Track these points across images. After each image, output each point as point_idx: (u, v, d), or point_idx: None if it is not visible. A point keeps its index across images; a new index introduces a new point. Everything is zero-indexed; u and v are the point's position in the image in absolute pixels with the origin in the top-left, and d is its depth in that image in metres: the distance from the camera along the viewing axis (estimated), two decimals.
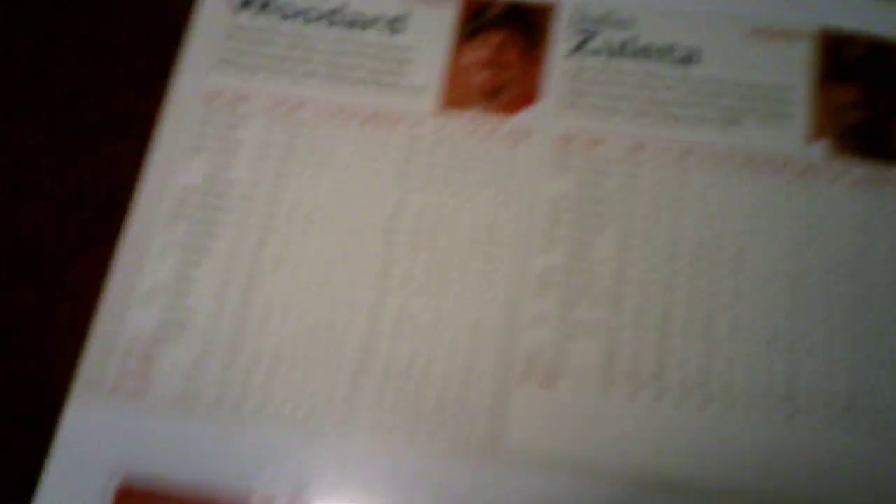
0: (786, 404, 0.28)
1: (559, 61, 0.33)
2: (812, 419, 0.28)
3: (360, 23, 0.34)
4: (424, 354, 0.29)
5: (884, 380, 0.28)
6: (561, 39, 0.33)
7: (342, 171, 0.32)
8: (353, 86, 0.33)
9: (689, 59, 0.33)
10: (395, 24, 0.34)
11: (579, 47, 0.33)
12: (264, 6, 0.34)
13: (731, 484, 0.27)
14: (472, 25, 0.34)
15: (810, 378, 0.28)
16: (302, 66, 0.33)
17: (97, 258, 0.30)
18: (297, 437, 0.28)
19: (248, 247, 0.30)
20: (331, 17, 0.34)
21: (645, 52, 0.33)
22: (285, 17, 0.34)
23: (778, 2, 0.33)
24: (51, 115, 0.34)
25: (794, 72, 0.32)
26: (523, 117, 0.32)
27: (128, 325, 0.29)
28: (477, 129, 0.32)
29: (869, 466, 0.27)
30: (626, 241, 0.30)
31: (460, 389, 0.29)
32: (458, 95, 0.33)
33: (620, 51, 0.33)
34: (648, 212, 0.31)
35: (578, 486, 0.27)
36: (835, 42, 0.32)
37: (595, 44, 0.33)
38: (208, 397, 0.28)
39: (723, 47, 0.33)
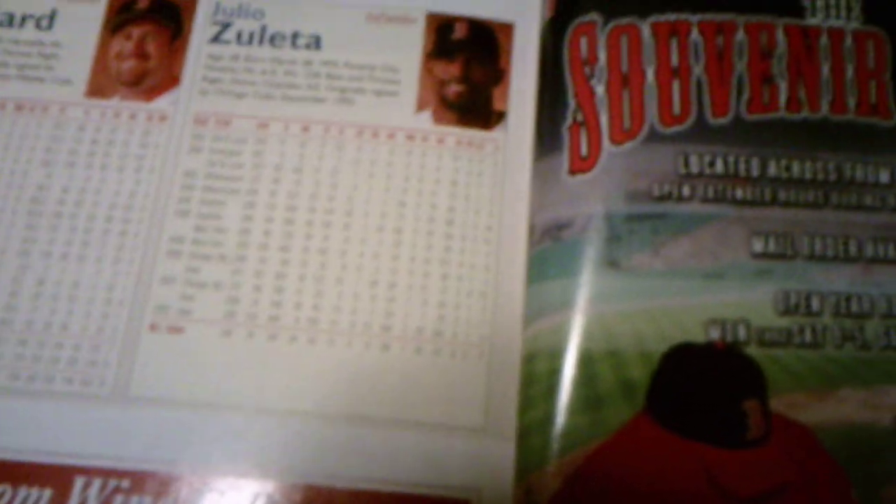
0: (383, 335, 0.32)
1: (197, 51, 0.36)
2: (405, 347, 0.32)
3: (11, 22, 0.36)
4: (62, 314, 0.32)
5: (463, 308, 0.33)
6: (200, 31, 0.37)
7: None
8: (5, 81, 0.36)
9: (311, 45, 0.37)
10: (43, 22, 0.36)
11: (216, 38, 0.37)
12: None
13: (333, 407, 0.31)
14: (118, 20, 0.37)
15: (405, 313, 0.33)
16: None
17: None
18: None
19: None
20: None
21: (272, 40, 0.37)
22: None
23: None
24: None
25: (405, 52, 0.37)
26: (162, 102, 0.35)
27: None
28: (119, 113, 0.35)
29: (451, 383, 0.32)
30: (251, 207, 0.34)
31: (94, 343, 0.31)
32: (103, 84, 0.36)
33: (251, 39, 0.37)
34: (271, 182, 0.35)
35: (199, 421, 0.31)
36: (441, 24, 0.37)
37: (229, 34, 0.37)
38: None
39: (342, 33, 0.37)
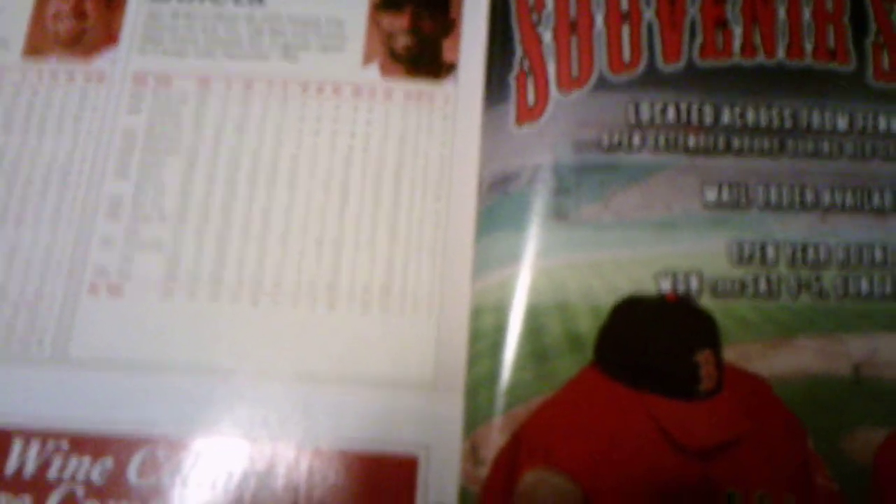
0: (329, 294, 0.31)
1: (136, 9, 0.35)
2: (352, 306, 0.31)
3: None
4: (0, 278, 0.31)
5: (412, 264, 0.32)
6: None
7: None
8: None
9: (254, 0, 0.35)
10: None
11: None
12: None
13: (278, 367, 0.30)
14: None
15: (352, 270, 0.32)
16: None
17: None
18: None
19: None
20: None
21: None
22: None
23: None
24: None
25: (350, 4, 0.36)
26: (100, 61, 0.34)
27: None
28: (57, 73, 0.34)
29: (401, 340, 0.31)
30: (192, 166, 0.33)
31: (32, 306, 0.31)
32: (40, 44, 0.35)
33: None
34: (213, 139, 0.33)
35: (138, 382, 0.30)
36: None
37: None
38: None
39: None
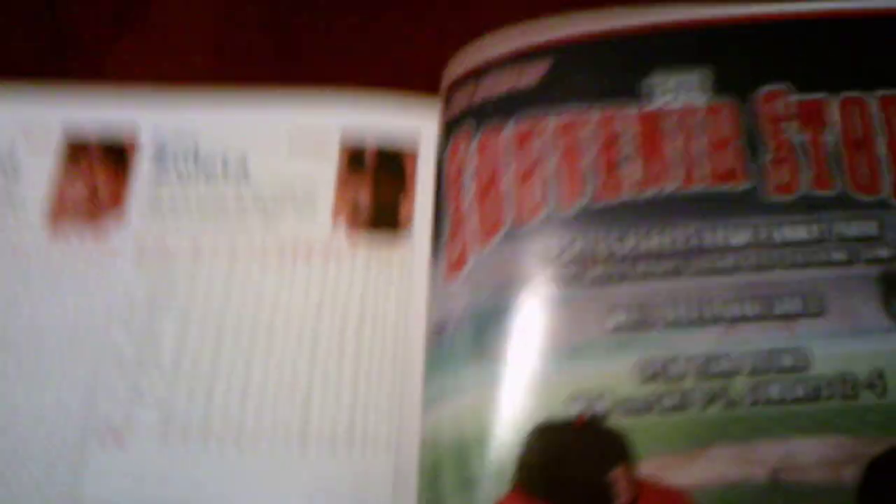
0: (300, 437, 0.37)
1: (141, 190, 0.43)
2: (321, 448, 0.37)
3: None
4: (16, 433, 0.38)
5: (372, 405, 0.37)
6: (146, 171, 0.43)
7: None
8: None
9: (240, 175, 0.42)
10: (12, 167, 0.44)
11: (158, 179, 0.43)
12: None
13: None
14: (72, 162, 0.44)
15: (321, 415, 0.37)
16: None
17: None
18: None
19: None
20: None
21: (203, 170, 0.43)
22: None
23: (309, 121, 0.43)
24: None
25: (321, 175, 0.42)
26: (109, 234, 0.42)
27: None
28: (72, 243, 0.42)
29: (363, 479, 0.36)
30: (187, 323, 0.40)
31: (43, 460, 0.37)
32: (58, 218, 0.42)
33: (189, 176, 0.43)
34: (204, 299, 0.40)
35: None
36: (353, 147, 0.42)
37: (170, 175, 0.43)
38: None
39: (267, 166, 0.43)
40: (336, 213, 0.41)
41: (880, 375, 0.33)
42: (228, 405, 0.38)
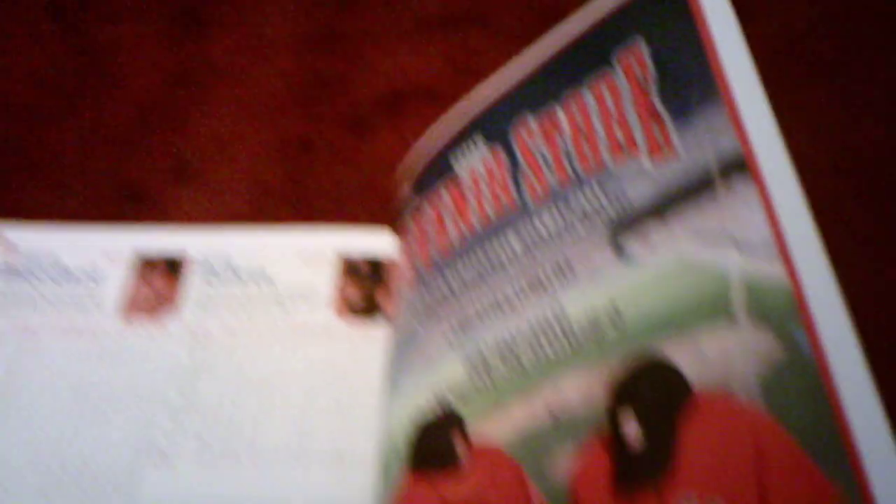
0: (299, 458, 0.51)
1: (192, 291, 0.60)
2: (315, 466, 0.51)
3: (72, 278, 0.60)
4: (95, 454, 0.52)
5: (356, 436, 0.52)
6: (194, 279, 0.60)
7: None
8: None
9: (262, 280, 0.60)
10: (96, 276, 0.61)
11: (203, 284, 0.60)
12: None
13: None
14: (144, 273, 0.61)
15: (316, 441, 0.52)
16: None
17: None
18: None
19: None
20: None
21: (237, 277, 0.60)
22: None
23: (314, 243, 0.61)
24: None
25: (324, 277, 0.59)
26: (168, 324, 0.58)
27: None
28: (138, 327, 0.58)
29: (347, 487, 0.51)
30: (219, 381, 0.54)
31: (113, 473, 0.51)
32: (130, 309, 0.58)
33: (225, 281, 0.60)
34: (234, 365, 0.55)
35: None
36: (346, 259, 0.60)
37: (212, 281, 0.60)
38: None
39: (284, 274, 0.60)
40: (333, 305, 0.58)
41: (617, 311, 0.37)
42: (247, 437, 0.53)
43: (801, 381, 0.30)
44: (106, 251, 0.61)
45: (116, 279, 0.60)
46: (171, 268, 0.61)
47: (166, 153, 0.66)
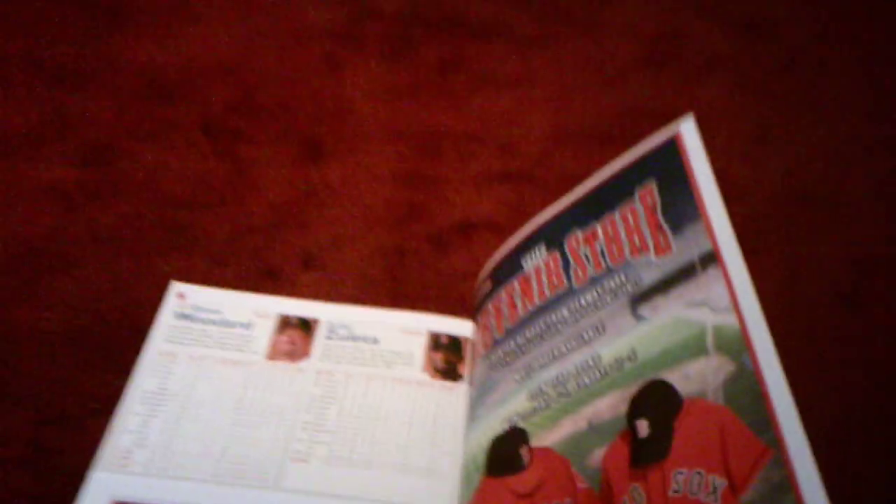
0: (396, 467, 0.71)
1: (320, 345, 0.80)
2: (411, 473, 0.71)
3: (230, 324, 0.82)
4: (251, 454, 0.72)
5: (438, 454, 0.72)
6: (322, 337, 0.81)
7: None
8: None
9: (370, 340, 0.81)
10: (249, 326, 0.81)
11: (329, 339, 0.81)
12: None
13: None
14: (284, 329, 0.82)
15: (412, 454, 0.72)
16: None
17: None
18: None
19: None
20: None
21: (353, 338, 0.81)
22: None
23: (410, 323, 0.83)
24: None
25: (418, 348, 0.80)
26: (302, 364, 0.78)
27: None
28: (279, 369, 0.78)
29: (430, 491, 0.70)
30: (340, 409, 0.74)
31: (263, 466, 0.70)
32: (273, 354, 0.78)
33: (345, 341, 0.80)
34: (349, 399, 0.75)
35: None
36: (433, 335, 0.81)
37: (335, 341, 0.81)
38: None
39: (390, 341, 0.81)
40: (425, 366, 0.79)
41: (634, 353, 0.55)
42: (363, 451, 0.72)
43: (747, 387, 0.47)
44: (256, 309, 0.82)
45: (264, 329, 0.80)
46: (305, 326, 0.81)
47: (295, 245, 0.83)
